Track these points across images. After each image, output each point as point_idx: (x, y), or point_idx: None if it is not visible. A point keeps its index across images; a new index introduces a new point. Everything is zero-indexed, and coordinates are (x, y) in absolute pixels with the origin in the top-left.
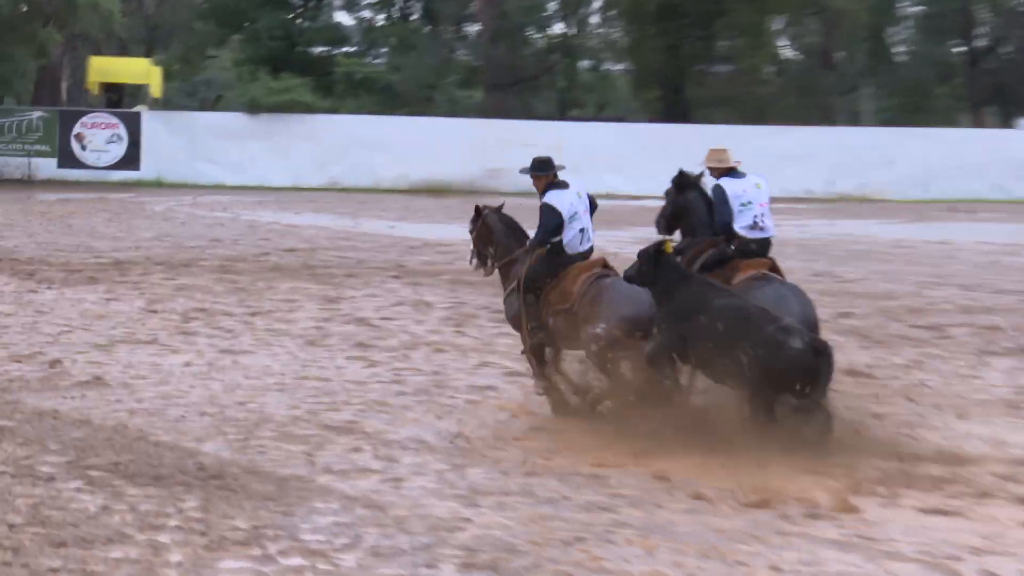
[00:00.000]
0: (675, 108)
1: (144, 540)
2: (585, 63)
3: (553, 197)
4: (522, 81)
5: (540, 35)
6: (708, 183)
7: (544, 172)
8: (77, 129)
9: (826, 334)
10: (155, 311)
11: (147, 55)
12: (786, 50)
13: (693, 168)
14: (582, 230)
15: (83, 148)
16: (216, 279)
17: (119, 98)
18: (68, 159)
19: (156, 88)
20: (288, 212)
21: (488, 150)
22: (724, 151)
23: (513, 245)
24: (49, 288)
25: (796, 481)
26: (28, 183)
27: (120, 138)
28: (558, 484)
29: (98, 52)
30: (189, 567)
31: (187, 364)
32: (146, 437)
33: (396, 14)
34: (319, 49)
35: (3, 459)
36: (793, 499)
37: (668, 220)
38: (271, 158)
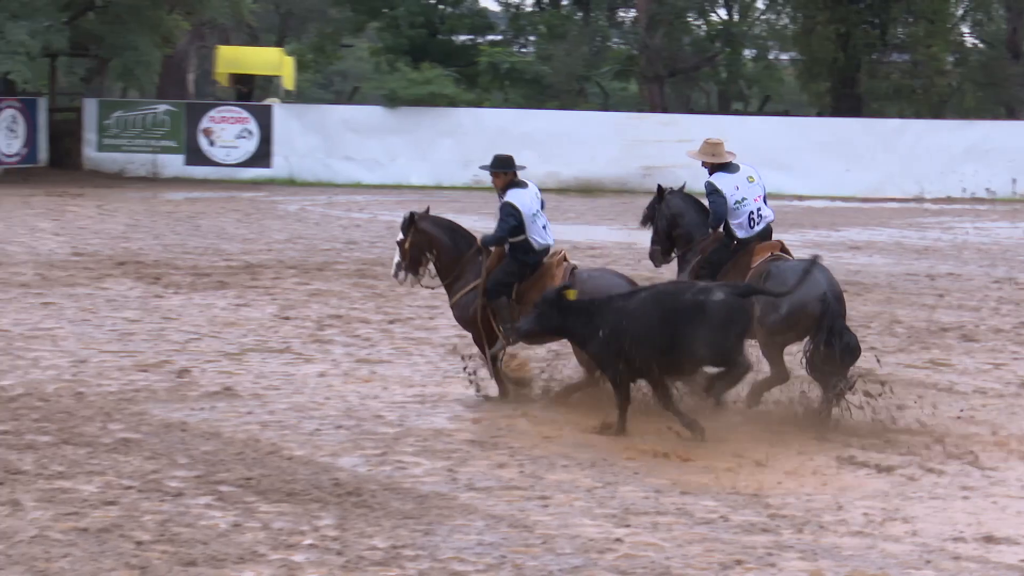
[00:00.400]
0: (846, 101)
1: (277, 559)
2: (749, 53)
3: (514, 196)
4: (681, 72)
5: (701, 22)
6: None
7: (505, 170)
8: (205, 124)
9: (1004, 343)
10: (288, 318)
11: (279, 44)
12: (968, 38)
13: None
14: (545, 226)
15: (211, 144)
16: (352, 284)
17: (249, 90)
18: (195, 155)
19: (288, 80)
20: None
21: (643, 146)
22: (720, 144)
23: (461, 246)
24: (176, 293)
25: None
26: (153, 181)
27: (250, 133)
28: (715, 503)
29: (227, 41)
30: None
31: (322, 374)
32: (279, 451)
33: (546, 0)
34: (462, 38)
35: (130, 473)
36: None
37: (666, 236)
38: (411, 155)
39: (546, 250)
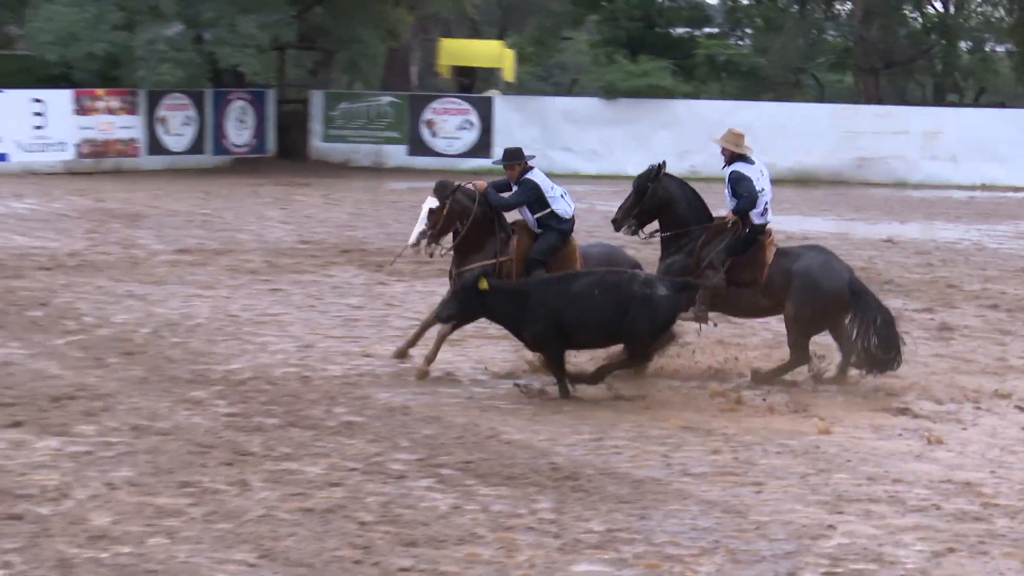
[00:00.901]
0: None
1: (496, 541)
2: (965, 45)
3: (533, 175)
4: (896, 64)
5: (916, 15)
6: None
7: (517, 162)
8: (427, 115)
9: None
10: None
11: (500, 37)
12: None
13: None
14: (564, 195)
15: (433, 135)
16: None
17: (471, 83)
18: (418, 146)
19: (509, 72)
20: None
21: (858, 138)
22: (743, 135)
23: (494, 221)
24: (399, 281)
25: None
26: (377, 171)
27: (472, 124)
28: (927, 492)
29: (449, 34)
30: (542, 569)
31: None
32: (498, 436)
33: None
34: (680, 30)
35: (354, 455)
36: None
37: (649, 214)
38: (629, 145)
39: (572, 219)
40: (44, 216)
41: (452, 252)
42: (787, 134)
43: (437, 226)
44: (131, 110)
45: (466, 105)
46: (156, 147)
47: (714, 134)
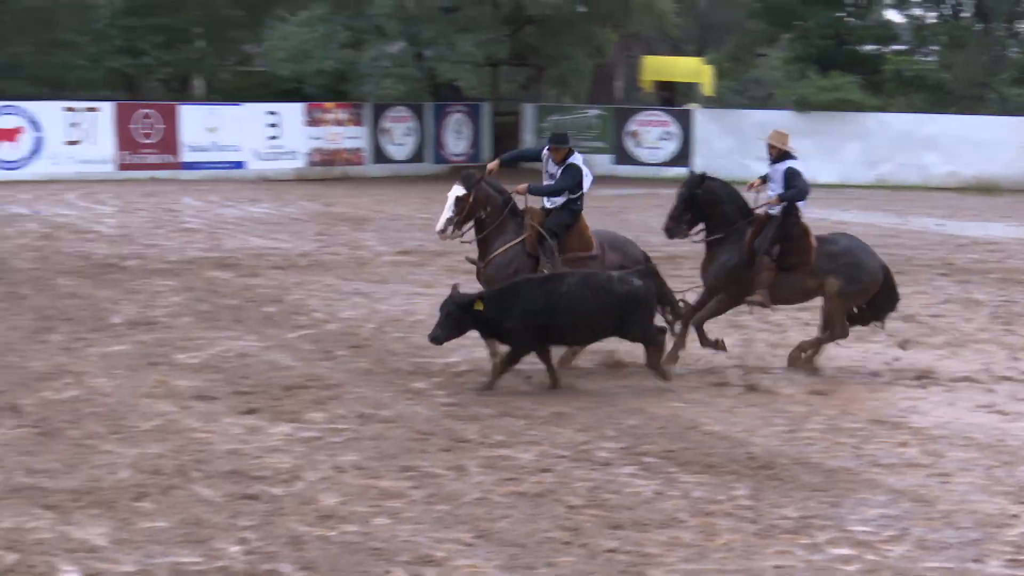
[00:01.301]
0: None
1: (696, 525)
2: None
3: (577, 160)
4: None
5: None
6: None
7: (565, 145)
8: (631, 126)
9: None
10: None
11: (699, 54)
12: None
13: None
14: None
15: (637, 145)
16: None
17: (672, 96)
18: (623, 155)
19: (707, 86)
20: (836, 209)
21: None
22: (788, 135)
23: (511, 207)
24: None
25: None
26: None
27: (672, 135)
28: None
29: (651, 51)
30: (740, 552)
31: (739, 358)
32: (698, 427)
33: (947, 11)
34: (868, 47)
35: (563, 443)
36: None
37: (695, 218)
38: (820, 156)
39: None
40: (278, 219)
41: (476, 240)
42: (970, 145)
43: (463, 213)
44: (357, 122)
45: (667, 117)
46: (380, 156)
47: (902, 146)
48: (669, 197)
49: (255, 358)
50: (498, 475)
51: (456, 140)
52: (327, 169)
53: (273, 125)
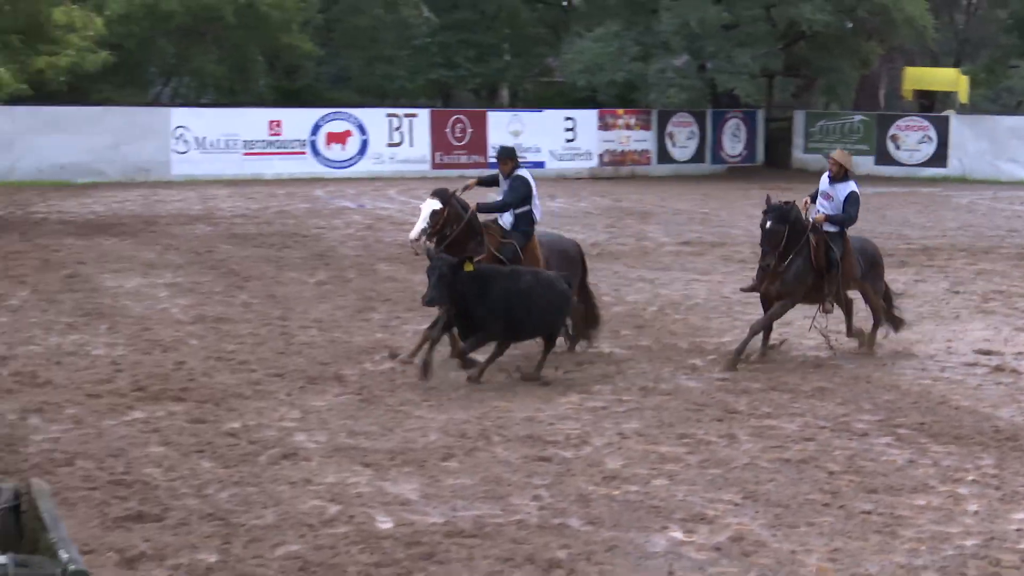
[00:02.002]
0: None
1: (945, 491)
2: None
3: (524, 172)
4: None
5: None
6: None
7: (510, 157)
8: (892, 131)
9: None
10: (957, 292)
11: (955, 65)
12: None
13: None
14: (537, 205)
15: (897, 147)
16: (1013, 265)
17: (931, 104)
18: (883, 157)
19: (963, 95)
20: None
21: None
22: (851, 156)
23: (475, 225)
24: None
25: None
26: None
27: (930, 139)
28: None
29: (912, 63)
30: (984, 516)
31: (986, 340)
32: (948, 402)
33: None
34: None
35: (824, 415)
36: None
37: (790, 241)
38: None
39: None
40: (572, 213)
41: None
42: None
43: (436, 226)
44: (644, 126)
45: (926, 123)
46: (664, 157)
47: None
48: (926, 196)
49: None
50: (765, 443)
51: (733, 143)
52: (616, 169)
53: (570, 129)
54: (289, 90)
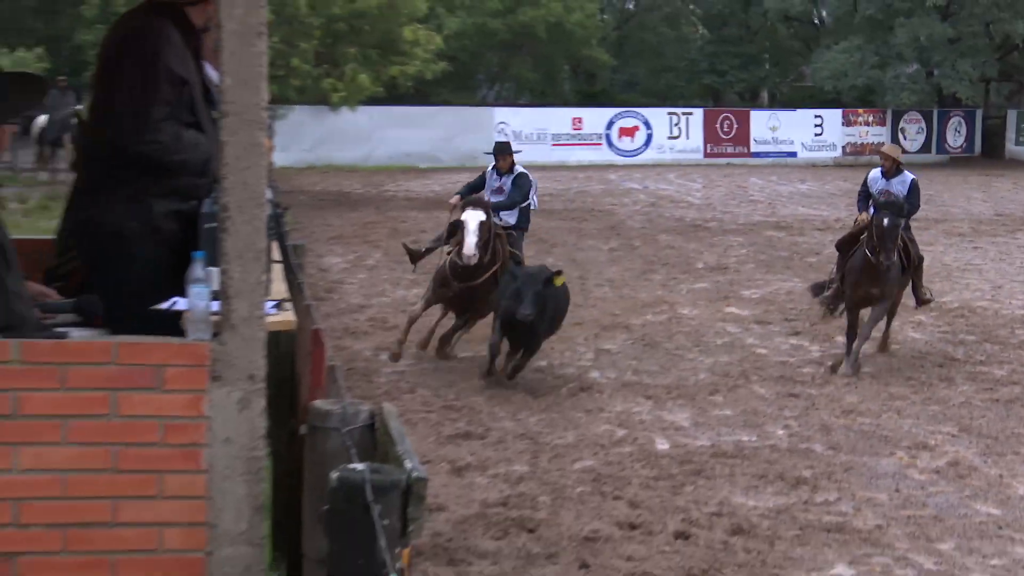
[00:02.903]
0: None
1: None
2: None
3: (525, 169)
4: None
5: None
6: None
7: (511, 151)
8: None
9: None
10: None
11: None
12: None
13: None
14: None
15: None
16: None
17: None
18: None
19: None
20: None
21: None
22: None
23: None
24: None
25: None
26: None
27: None
28: None
29: None
30: None
31: None
32: None
33: None
34: None
35: None
36: None
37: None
38: None
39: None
40: (819, 194)
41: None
42: None
43: (484, 237)
44: (880, 123)
45: None
46: None
47: None
48: None
49: (799, 295)
50: (978, 385)
51: (955, 137)
52: (857, 158)
53: (818, 125)
54: (588, 93)
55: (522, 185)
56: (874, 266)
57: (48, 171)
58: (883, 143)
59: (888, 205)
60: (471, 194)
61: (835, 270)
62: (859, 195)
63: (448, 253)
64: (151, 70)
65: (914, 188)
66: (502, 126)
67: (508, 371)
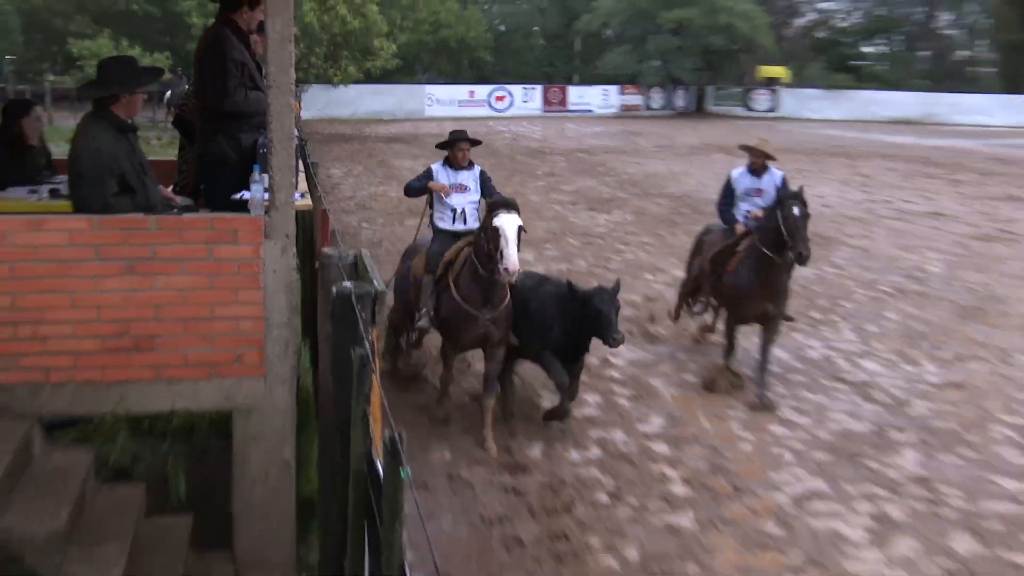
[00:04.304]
0: None
1: None
2: None
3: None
4: None
5: None
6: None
7: (468, 142)
8: None
9: None
10: None
11: None
12: None
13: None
14: None
15: None
16: None
17: None
18: None
19: None
20: None
21: None
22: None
23: None
24: None
25: None
26: None
27: None
28: None
29: None
30: None
31: None
32: None
33: None
34: None
35: None
36: None
37: None
38: None
39: None
40: (606, 134)
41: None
42: None
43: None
44: (641, 94)
45: None
46: None
47: None
48: None
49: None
50: None
51: (679, 101)
52: (628, 113)
53: (605, 94)
54: (479, 76)
55: (488, 179)
56: (771, 277)
57: (170, 124)
58: (759, 139)
59: (793, 195)
60: (417, 184)
61: (697, 285)
62: (722, 199)
63: (450, 282)
64: (223, 61)
65: (785, 184)
66: (430, 96)
67: (563, 410)
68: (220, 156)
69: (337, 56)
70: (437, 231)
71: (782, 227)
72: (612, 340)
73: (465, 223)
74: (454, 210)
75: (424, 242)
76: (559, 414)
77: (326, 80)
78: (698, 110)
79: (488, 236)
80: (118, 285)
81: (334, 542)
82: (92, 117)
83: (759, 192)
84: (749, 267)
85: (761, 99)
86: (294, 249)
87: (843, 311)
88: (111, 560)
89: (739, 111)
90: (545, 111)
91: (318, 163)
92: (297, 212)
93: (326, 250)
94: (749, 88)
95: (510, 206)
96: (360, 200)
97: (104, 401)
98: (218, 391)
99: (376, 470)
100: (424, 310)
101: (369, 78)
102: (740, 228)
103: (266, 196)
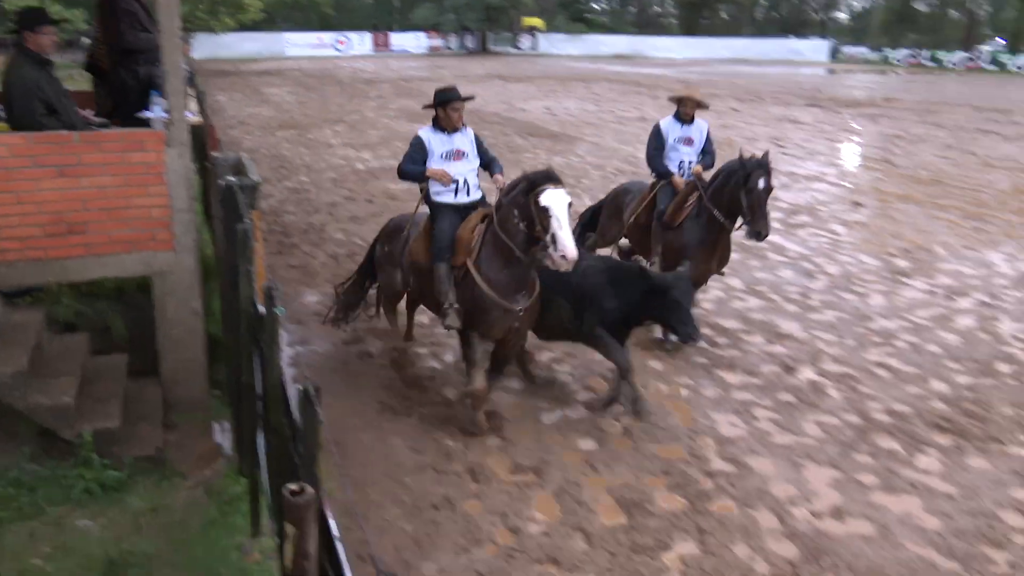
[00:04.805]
0: None
1: None
2: None
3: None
4: None
5: None
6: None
7: (460, 100)
8: None
9: None
10: None
11: None
12: None
13: None
14: None
15: None
16: None
17: None
18: None
19: None
20: None
21: None
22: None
23: None
24: None
25: None
26: None
27: None
28: None
29: None
30: None
31: None
32: None
33: None
34: None
35: None
36: None
37: None
38: None
39: None
40: (421, 67)
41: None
42: None
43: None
44: (441, 37)
45: None
46: None
47: None
48: None
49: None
50: None
51: (467, 42)
52: (434, 52)
53: (418, 40)
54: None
55: (483, 143)
56: (720, 238)
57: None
58: (688, 86)
59: (758, 164)
60: (414, 170)
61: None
62: (651, 150)
63: (470, 267)
64: (115, 9)
65: (710, 135)
66: (288, 40)
67: (635, 406)
68: (123, 84)
69: (216, 11)
70: (437, 206)
71: (743, 200)
72: (688, 337)
73: (468, 194)
74: (456, 181)
75: (410, 219)
76: (631, 399)
77: (209, 29)
78: (483, 50)
79: (533, 216)
80: (52, 185)
81: (234, 364)
82: (15, 52)
83: (688, 141)
84: (701, 225)
85: (525, 42)
86: (190, 154)
87: (582, 186)
88: (64, 390)
89: (511, 51)
90: (375, 51)
91: (205, 91)
92: (191, 127)
93: (214, 154)
94: (517, 34)
95: (554, 179)
96: (240, 118)
97: (49, 273)
98: (139, 261)
99: (259, 310)
100: (447, 304)
101: (242, 27)
102: (679, 181)
103: (164, 115)
